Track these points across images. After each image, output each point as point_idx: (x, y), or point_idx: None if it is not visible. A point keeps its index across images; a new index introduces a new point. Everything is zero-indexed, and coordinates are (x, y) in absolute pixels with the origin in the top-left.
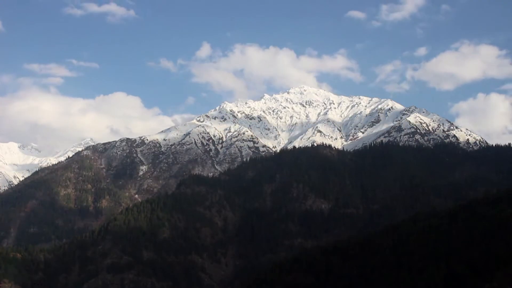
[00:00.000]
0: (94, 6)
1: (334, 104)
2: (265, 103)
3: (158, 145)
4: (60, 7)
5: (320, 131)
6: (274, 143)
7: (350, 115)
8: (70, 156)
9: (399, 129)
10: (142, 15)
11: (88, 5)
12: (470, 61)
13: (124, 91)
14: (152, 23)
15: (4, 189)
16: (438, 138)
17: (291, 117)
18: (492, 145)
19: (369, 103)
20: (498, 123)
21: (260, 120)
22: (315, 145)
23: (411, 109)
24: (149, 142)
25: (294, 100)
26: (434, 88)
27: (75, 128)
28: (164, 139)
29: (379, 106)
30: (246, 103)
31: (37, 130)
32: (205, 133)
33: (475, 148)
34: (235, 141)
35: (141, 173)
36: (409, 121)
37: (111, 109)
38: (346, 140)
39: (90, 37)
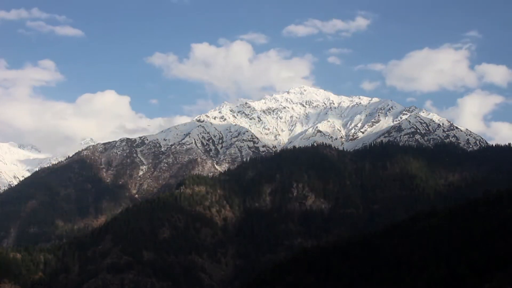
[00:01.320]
0: None
1: (334, 104)
2: (265, 103)
3: (158, 145)
4: None
5: (320, 131)
6: (274, 143)
7: (350, 115)
8: (70, 156)
9: (399, 129)
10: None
11: None
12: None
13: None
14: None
15: (4, 189)
16: (438, 138)
17: (291, 117)
18: (492, 145)
19: (369, 103)
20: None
21: (260, 120)
22: (315, 145)
23: (411, 109)
24: (149, 142)
25: (294, 100)
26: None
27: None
28: (164, 139)
29: (379, 106)
30: (246, 103)
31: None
32: (205, 133)
33: (475, 148)
34: (235, 141)
35: (141, 173)
36: (409, 121)
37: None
38: (346, 140)
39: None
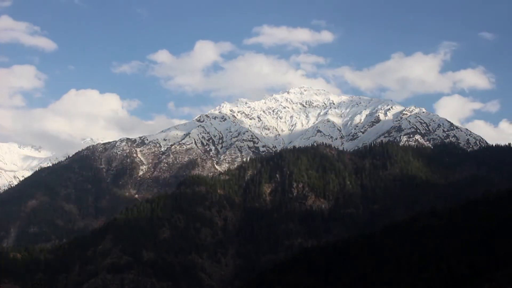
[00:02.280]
0: None
1: (334, 104)
2: (265, 103)
3: (158, 145)
4: None
5: (320, 131)
6: (274, 143)
7: (350, 115)
8: (70, 156)
9: (399, 129)
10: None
11: None
12: None
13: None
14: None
15: (4, 189)
16: (438, 138)
17: (291, 117)
18: (492, 145)
19: (369, 103)
20: None
21: (260, 120)
22: (315, 145)
23: (411, 109)
24: (149, 142)
25: (294, 100)
26: None
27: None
28: (164, 139)
29: (379, 106)
30: (246, 103)
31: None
32: (205, 133)
33: (475, 148)
34: (235, 141)
35: (141, 173)
36: (409, 121)
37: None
38: (346, 140)
39: None
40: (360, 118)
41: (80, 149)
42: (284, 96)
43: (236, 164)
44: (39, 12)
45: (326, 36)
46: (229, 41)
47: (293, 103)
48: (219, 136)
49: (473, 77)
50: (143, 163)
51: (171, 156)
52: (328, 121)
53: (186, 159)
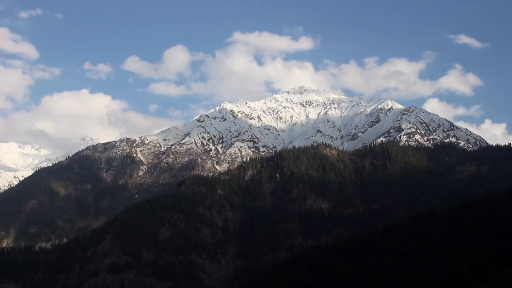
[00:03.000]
0: None
1: (334, 104)
2: (265, 103)
3: (158, 145)
4: None
5: (320, 131)
6: (274, 143)
7: (350, 115)
8: (70, 156)
9: (399, 129)
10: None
11: None
12: None
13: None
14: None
15: (4, 189)
16: (438, 138)
17: (291, 117)
18: (492, 145)
19: (369, 103)
20: None
21: (260, 120)
22: (315, 145)
23: (411, 109)
24: (149, 142)
25: (294, 100)
26: None
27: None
28: (164, 139)
29: (379, 106)
30: (246, 103)
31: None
32: (205, 133)
33: (475, 148)
34: (235, 141)
35: (141, 173)
36: (409, 121)
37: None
38: (346, 140)
39: None
40: (360, 118)
41: (80, 149)
42: (284, 96)
43: (236, 164)
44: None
45: (304, 44)
46: (202, 51)
47: (293, 103)
48: (219, 136)
49: (453, 82)
50: (143, 163)
51: (171, 156)
52: (328, 121)
53: (186, 159)
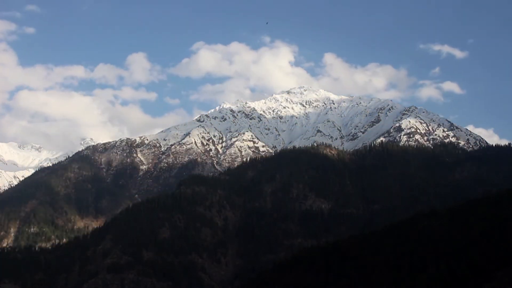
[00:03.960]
0: None
1: (334, 104)
2: (265, 103)
3: (158, 145)
4: None
5: (320, 131)
6: (274, 143)
7: (350, 115)
8: (70, 156)
9: (399, 129)
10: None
11: None
12: None
13: None
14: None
15: (4, 189)
16: (438, 138)
17: (291, 117)
18: (492, 145)
19: (369, 103)
20: None
21: (260, 120)
22: (315, 145)
23: (411, 109)
24: (149, 142)
25: (294, 100)
26: None
27: None
28: (164, 139)
29: (379, 106)
30: (246, 103)
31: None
32: (205, 133)
33: (475, 148)
34: (235, 141)
35: (141, 173)
36: (409, 121)
37: None
38: (346, 140)
39: None
40: (360, 118)
41: (80, 149)
42: (284, 96)
43: (236, 164)
44: None
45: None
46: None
47: (293, 103)
48: (219, 136)
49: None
50: (143, 163)
51: (171, 156)
52: (328, 121)
53: (186, 159)
